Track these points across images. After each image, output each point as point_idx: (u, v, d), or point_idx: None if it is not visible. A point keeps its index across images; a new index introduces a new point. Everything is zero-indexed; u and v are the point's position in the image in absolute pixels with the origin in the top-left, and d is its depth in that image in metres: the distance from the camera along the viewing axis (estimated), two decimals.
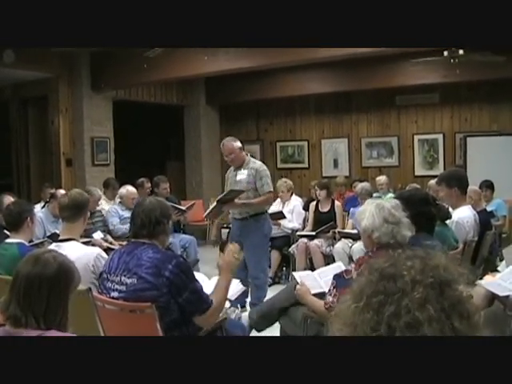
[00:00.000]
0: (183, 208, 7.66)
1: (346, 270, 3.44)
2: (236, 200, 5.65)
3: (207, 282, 4.00)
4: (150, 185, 8.48)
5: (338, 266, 4.15)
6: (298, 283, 3.94)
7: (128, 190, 7.63)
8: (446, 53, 7.36)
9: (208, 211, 5.93)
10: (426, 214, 4.18)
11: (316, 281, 3.93)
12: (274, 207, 8.24)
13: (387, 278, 1.23)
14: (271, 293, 6.83)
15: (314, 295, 3.78)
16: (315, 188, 8.03)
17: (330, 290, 3.48)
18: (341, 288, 3.27)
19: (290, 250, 7.63)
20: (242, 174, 5.83)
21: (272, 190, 5.96)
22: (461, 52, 7.26)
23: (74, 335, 2.15)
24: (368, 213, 3.34)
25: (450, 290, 1.20)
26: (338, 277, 3.43)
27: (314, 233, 7.41)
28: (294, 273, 4.32)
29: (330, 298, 3.39)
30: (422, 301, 1.17)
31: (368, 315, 1.20)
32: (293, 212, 8.05)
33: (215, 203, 5.72)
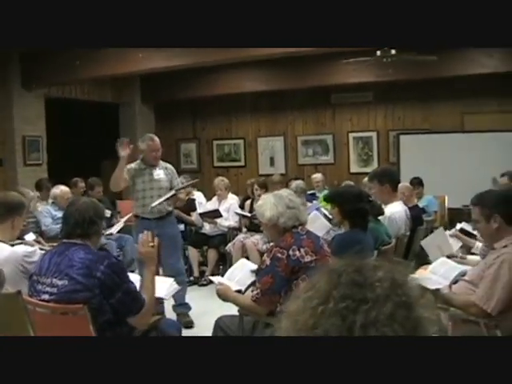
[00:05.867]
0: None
1: (262, 261, 3.60)
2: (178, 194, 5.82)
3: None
4: (83, 184, 8.38)
5: (242, 263, 4.24)
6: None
7: (62, 190, 7.49)
8: (378, 52, 7.49)
9: (161, 200, 5.69)
10: (360, 210, 4.27)
11: (230, 282, 3.95)
12: (210, 206, 8.24)
13: (357, 284, 1.21)
14: (200, 293, 6.86)
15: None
16: (255, 187, 8.04)
17: (254, 284, 3.63)
18: (262, 278, 3.46)
19: (226, 248, 7.63)
20: (160, 173, 5.86)
21: None
22: (393, 52, 7.39)
23: None
24: (269, 204, 3.57)
25: (413, 312, 1.20)
26: (257, 271, 3.65)
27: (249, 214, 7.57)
28: (210, 277, 4.35)
29: (255, 291, 3.50)
30: (390, 317, 1.16)
31: (335, 320, 1.17)
32: (229, 210, 8.05)
33: (173, 192, 5.73)
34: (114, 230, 7.52)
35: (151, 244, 3.53)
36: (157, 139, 5.86)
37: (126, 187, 6.01)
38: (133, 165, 5.91)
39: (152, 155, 5.82)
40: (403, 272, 1.29)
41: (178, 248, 6.11)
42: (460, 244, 5.21)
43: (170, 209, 5.94)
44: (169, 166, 6.05)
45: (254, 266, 3.96)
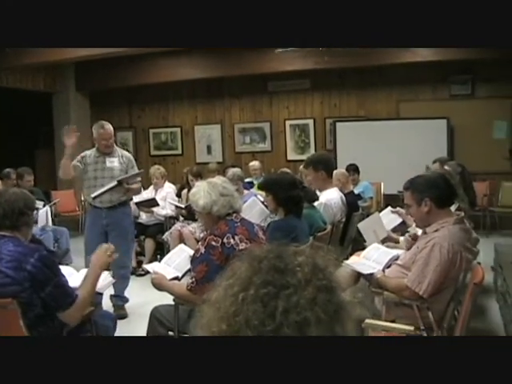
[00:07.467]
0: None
1: (196, 250, 3.57)
2: (124, 184, 5.57)
3: (76, 275, 3.88)
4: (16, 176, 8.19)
5: (180, 249, 4.23)
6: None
7: None
8: None
9: (102, 190, 5.52)
10: (294, 197, 4.30)
11: (167, 268, 3.93)
12: (147, 194, 8.15)
13: (278, 270, 1.21)
14: (138, 283, 6.80)
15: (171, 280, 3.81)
16: (190, 178, 7.99)
17: (190, 272, 3.64)
18: (197, 266, 3.45)
19: (163, 237, 7.58)
20: (113, 161, 5.66)
21: None
22: None
23: None
24: (203, 192, 3.54)
25: (335, 296, 1.20)
26: (192, 259, 3.61)
27: (183, 205, 7.51)
28: (144, 265, 4.32)
29: (190, 280, 3.49)
30: (311, 301, 1.16)
31: (256, 306, 1.16)
32: (166, 199, 7.99)
33: (115, 183, 5.48)
34: (46, 221, 7.34)
35: (109, 253, 3.47)
36: (108, 127, 5.65)
37: (73, 176, 5.80)
38: (88, 152, 5.76)
39: (103, 144, 5.63)
40: (324, 257, 1.29)
41: (128, 240, 5.89)
42: (396, 224, 5.30)
43: (124, 199, 5.73)
44: (126, 153, 5.85)
45: (192, 252, 3.93)
